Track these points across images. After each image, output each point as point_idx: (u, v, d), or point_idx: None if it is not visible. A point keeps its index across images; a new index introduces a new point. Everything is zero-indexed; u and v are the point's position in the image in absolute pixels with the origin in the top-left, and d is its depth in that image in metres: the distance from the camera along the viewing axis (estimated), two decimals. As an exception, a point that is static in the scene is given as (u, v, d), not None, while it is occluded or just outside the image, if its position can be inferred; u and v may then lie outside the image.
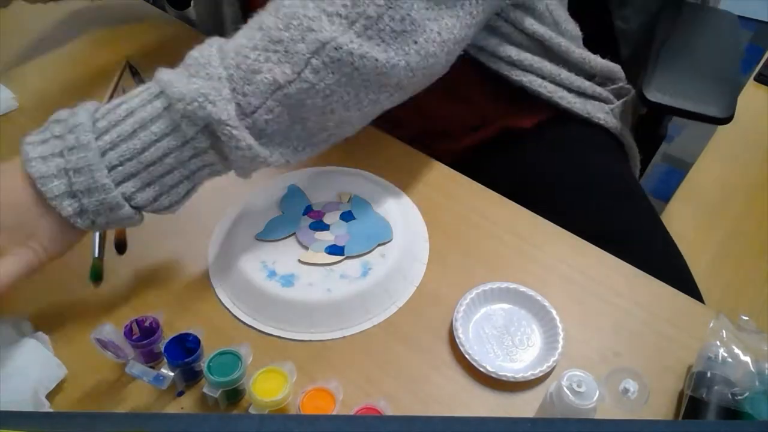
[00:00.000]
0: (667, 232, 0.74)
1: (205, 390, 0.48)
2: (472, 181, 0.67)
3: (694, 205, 1.00)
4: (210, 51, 0.48)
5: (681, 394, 0.50)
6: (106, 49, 0.85)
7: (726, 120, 0.77)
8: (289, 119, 0.49)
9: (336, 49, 0.47)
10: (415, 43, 0.49)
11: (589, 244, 0.61)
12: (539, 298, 0.54)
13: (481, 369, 0.50)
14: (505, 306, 0.55)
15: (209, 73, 0.46)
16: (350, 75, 0.48)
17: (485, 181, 0.67)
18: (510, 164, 0.78)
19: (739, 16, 0.99)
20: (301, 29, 0.46)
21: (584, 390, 0.44)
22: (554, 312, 0.53)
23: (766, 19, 2.38)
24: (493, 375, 0.50)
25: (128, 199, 0.48)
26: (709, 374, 0.48)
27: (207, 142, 0.47)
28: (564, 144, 0.77)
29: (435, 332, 0.54)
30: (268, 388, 0.46)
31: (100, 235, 0.60)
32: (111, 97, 0.77)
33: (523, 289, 0.55)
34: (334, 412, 0.46)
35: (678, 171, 1.82)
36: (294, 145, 0.52)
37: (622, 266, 0.59)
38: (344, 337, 0.54)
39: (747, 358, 0.49)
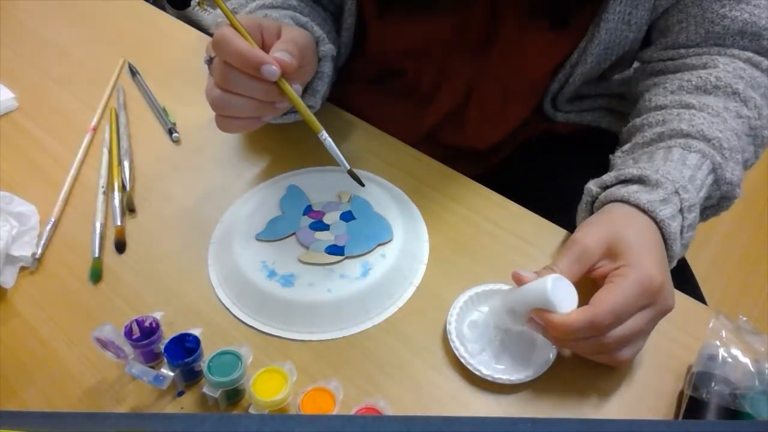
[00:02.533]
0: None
1: (205, 390, 0.48)
2: (472, 181, 0.67)
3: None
4: (732, 137, 0.59)
5: (681, 394, 0.50)
6: (106, 49, 0.85)
7: None
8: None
9: None
10: None
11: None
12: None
13: (476, 373, 0.50)
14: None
15: (737, 159, 0.59)
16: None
17: (511, 181, 0.67)
18: (539, 168, 0.78)
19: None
20: (766, 119, 0.62)
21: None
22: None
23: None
24: (488, 379, 0.50)
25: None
26: (709, 374, 0.48)
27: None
28: (593, 156, 0.77)
29: (435, 332, 0.54)
30: (268, 388, 0.47)
31: (100, 235, 0.61)
32: (109, 96, 0.77)
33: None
34: (334, 412, 0.46)
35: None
36: None
37: (622, 266, 0.59)
38: (344, 337, 0.54)
39: (747, 358, 0.49)
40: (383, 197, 0.62)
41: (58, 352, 0.52)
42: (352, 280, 0.55)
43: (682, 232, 0.54)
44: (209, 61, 0.57)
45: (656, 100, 0.63)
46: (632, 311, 0.47)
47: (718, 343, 0.50)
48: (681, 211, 0.54)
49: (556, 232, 0.62)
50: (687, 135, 0.58)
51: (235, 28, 0.52)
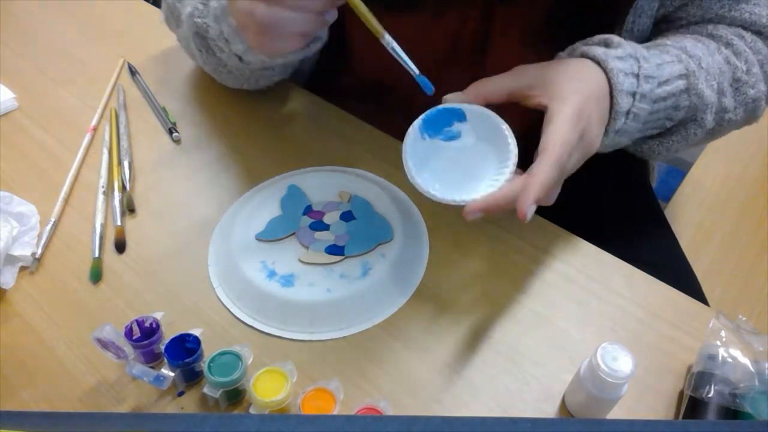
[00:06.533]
0: (681, 251, 0.74)
1: (205, 390, 0.48)
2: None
3: (694, 205, 1.00)
4: (712, 62, 0.59)
5: (681, 394, 0.50)
6: (106, 49, 0.85)
7: None
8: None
9: (761, 101, 0.62)
10: None
11: (589, 244, 0.61)
12: (503, 126, 0.52)
13: (429, 195, 0.50)
14: (472, 131, 0.54)
15: (712, 85, 0.58)
16: (747, 116, 0.64)
17: None
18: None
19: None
20: (755, 79, 0.61)
21: (619, 362, 0.44)
22: (504, 127, 0.52)
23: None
24: (440, 200, 0.50)
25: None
26: (709, 374, 0.48)
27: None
28: (596, 161, 0.76)
29: (435, 332, 0.54)
30: (269, 388, 0.47)
31: (100, 235, 0.61)
32: (109, 96, 0.77)
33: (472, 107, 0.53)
34: (335, 412, 0.46)
35: (678, 171, 1.81)
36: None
37: (622, 266, 0.59)
38: (344, 337, 0.54)
39: (747, 358, 0.49)
40: (383, 197, 0.62)
41: (58, 352, 0.52)
42: (352, 280, 0.55)
43: (634, 97, 0.53)
44: None
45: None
46: (574, 141, 0.49)
47: (718, 343, 0.50)
48: (637, 76, 0.53)
49: (556, 233, 0.62)
50: (668, 44, 0.59)
51: None
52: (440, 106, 0.53)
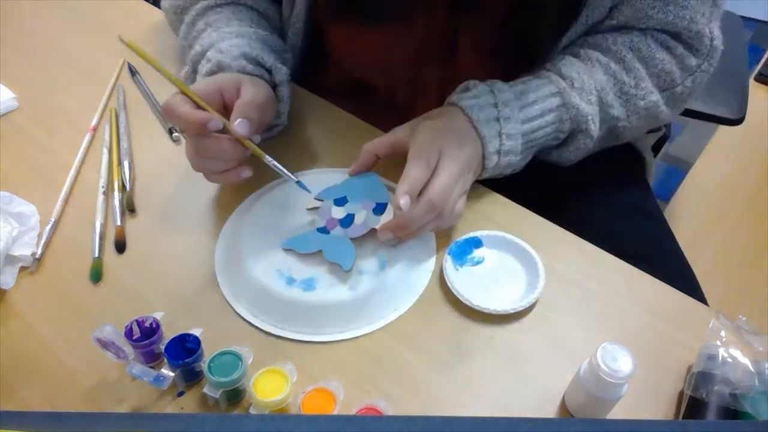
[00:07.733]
0: (679, 249, 0.74)
1: (205, 390, 0.48)
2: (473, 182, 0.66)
3: (694, 205, 1.00)
4: (588, 80, 0.64)
5: (681, 394, 0.50)
6: (106, 49, 0.85)
7: (738, 121, 0.76)
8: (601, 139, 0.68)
9: (656, 107, 0.66)
10: (686, 103, 0.72)
11: (589, 243, 0.61)
12: (520, 242, 0.59)
13: (467, 303, 0.54)
14: (491, 251, 0.60)
15: (589, 99, 0.63)
16: (649, 120, 0.68)
17: (510, 180, 0.67)
18: (535, 166, 0.78)
19: (740, 16, 0.99)
20: (644, 91, 0.65)
21: (619, 362, 0.45)
22: (534, 253, 0.58)
23: (766, 19, 2.38)
24: (476, 309, 0.54)
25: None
26: (709, 374, 0.48)
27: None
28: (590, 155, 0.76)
29: (434, 332, 0.54)
30: (269, 388, 0.47)
31: (100, 235, 0.61)
32: (109, 96, 0.77)
33: (507, 236, 0.59)
34: (335, 412, 0.46)
35: (678, 171, 1.82)
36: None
37: (622, 266, 0.59)
38: (344, 338, 0.54)
39: (747, 358, 0.49)
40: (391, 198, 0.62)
41: (58, 352, 0.52)
42: (372, 275, 0.56)
43: (499, 122, 0.60)
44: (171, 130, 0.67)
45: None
46: (427, 161, 0.56)
47: (718, 343, 0.50)
48: (495, 105, 0.60)
49: (556, 232, 0.62)
50: (546, 69, 0.64)
51: (184, 93, 0.57)
52: (459, 239, 0.59)
